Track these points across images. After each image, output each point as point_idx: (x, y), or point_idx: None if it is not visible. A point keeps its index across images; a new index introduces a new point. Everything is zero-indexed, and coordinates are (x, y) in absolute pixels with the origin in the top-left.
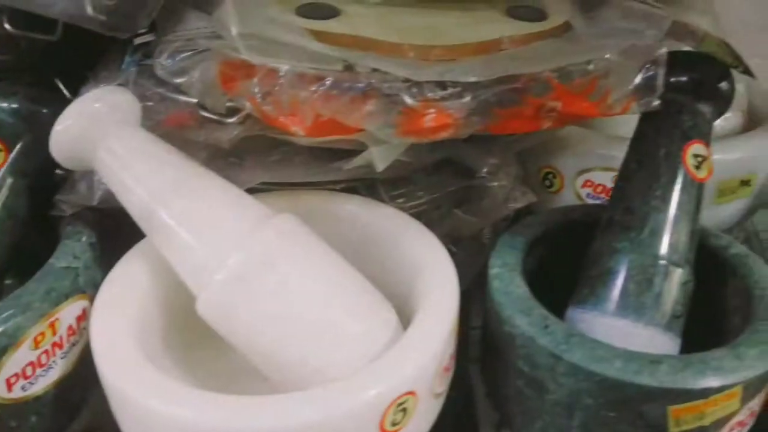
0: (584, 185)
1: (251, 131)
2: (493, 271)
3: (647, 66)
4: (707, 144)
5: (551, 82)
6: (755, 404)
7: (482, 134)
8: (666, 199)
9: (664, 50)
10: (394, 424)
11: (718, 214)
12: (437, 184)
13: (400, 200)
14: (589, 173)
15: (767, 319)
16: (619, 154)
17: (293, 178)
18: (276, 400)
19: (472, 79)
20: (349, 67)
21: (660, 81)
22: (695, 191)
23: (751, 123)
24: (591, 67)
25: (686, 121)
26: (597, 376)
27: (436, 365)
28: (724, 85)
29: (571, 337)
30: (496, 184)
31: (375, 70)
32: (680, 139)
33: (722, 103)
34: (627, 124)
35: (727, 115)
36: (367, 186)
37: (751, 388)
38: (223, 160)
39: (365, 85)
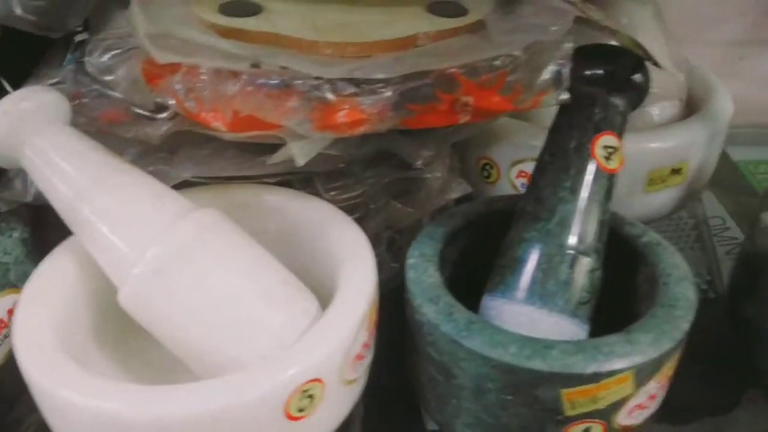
0: (518, 176)
1: (181, 126)
2: (410, 261)
3: (554, 61)
4: (619, 135)
5: (458, 78)
6: (654, 388)
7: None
8: (575, 190)
9: (569, 45)
10: (299, 410)
11: (650, 202)
12: (373, 176)
13: (336, 193)
14: (523, 164)
15: (665, 305)
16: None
17: (225, 172)
18: (182, 389)
19: (380, 75)
20: (255, 65)
21: (566, 75)
22: (605, 182)
23: (690, 112)
24: (498, 63)
25: (597, 114)
26: (493, 361)
27: (343, 353)
28: (637, 77)
29: (472, 324)
30: (431, 175)
31: (284, 67)
32: (591, 131)
33: (635, 95)
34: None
35: (665, 104)
36: (302, 179)
37: (643, 373)
38: (155, 156)
39: (281, 81)
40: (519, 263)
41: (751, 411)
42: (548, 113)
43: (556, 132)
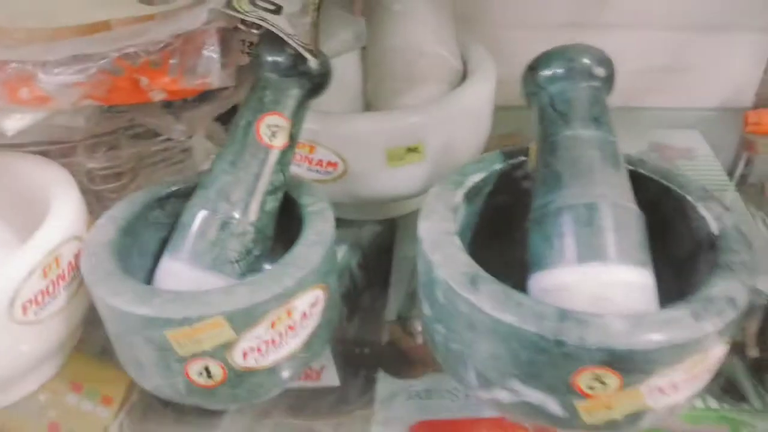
0: None
1: None
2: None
3: (206, 48)
4: (287, 117)
5: (119, 62)
6: (268, 333)
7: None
8: (234, 163)
9: (213, 33)
10: None
11: (394, 176)
12: (139, 146)
13: (98, 161)
14: None
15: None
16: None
17: None
18: None
19: (50, 58)
20: None
21: (215, 60)
22: (265, 156)
23: None
24: (152, 48)
25: (268, 96)
26: (116, 310)
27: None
28: (310, 66)
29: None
30: (197, 145)
31: None
32: (259, 111)
33: (307, 81)
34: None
35: (431, 87)
36: (63, 149)
37: (238, 319)
38: None
39: None
40: (183, 226)
41: None
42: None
43: (237, 111)
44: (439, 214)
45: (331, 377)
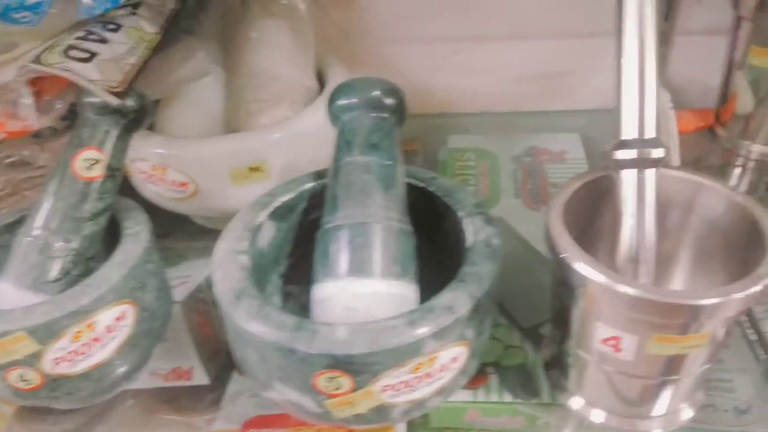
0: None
1: None
2: None
3: (19, 96)
4: (104, 150)
5: None
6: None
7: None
8: (55, 193)
9: (24, 84)
10: None
11: (241, 193)
12: (12, 173)
13: None
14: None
15: None
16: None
17: None
18: None
19: None
20: None
21: (29, 106)
22: (82, 187)
23: None
24: None
25: (85, 132)
26: None
27: None
28: (127, 105)
29: None
30: None
31: None
32: (76, 146)
33: (121, 118)
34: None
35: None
36: None
37: (40, 333)
38: None
39: None
40: (11, 251)
41: None
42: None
43: None
44: (234, 233)
45: (200, 377)
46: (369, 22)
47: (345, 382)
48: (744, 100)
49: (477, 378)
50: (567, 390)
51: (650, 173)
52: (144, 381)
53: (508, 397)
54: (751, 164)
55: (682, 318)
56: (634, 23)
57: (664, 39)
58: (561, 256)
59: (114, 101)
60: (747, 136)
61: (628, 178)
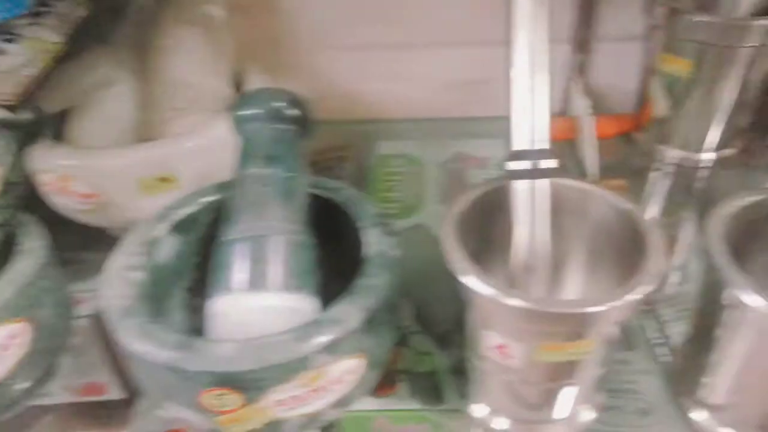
0: None
1: None
2: None
3: None
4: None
5: None
6: None
7: None
8: None
9: None
10: None
11: (152, 204)
12: None
13: None
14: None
15: None
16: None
17: None
18: None
19: None
20: None
21: None
22: None
23: None
24: None
25: None
26: None
27: None
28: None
29: None
30: None
31: None
32: None
33: (16, 131)
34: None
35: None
36: None
37: None
38: None
39: None
40: None
41: None
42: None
43: None
44: (128, 248)
45: (115, 391)
46: (297, 29)
47: (233, 398)
48: (659, 106)
49: (386, 386)
50: (470, 397)
51: (542, 183)
52: (60, 396)
53: (415, 405)
54: (669, 168)
55: (564, 326)
56: (524, 34)
57: (584, 46)
58: (448, 267)
59: (6, 114)
60: (664, 141)
61: (520, 188)
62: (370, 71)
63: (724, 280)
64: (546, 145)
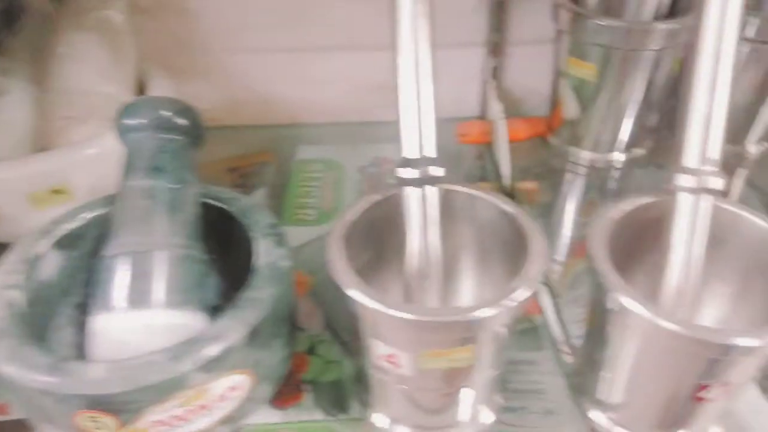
0: None
1: None
2: None
3: None
4: None
5: None
6: None
7: None
8: None
9: None
10: None
11: (42, 218)
12: None
13: None
14: None
15: None
16: None
17: None
18: None
19: None
20: None
21: None
22: None
23: None
24: None
25: None
26: None
27: None
28: None
29: None
30: None
31: None
32: None
33: None
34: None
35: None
36: None
37: None
38: None
39: None
40: None
41: None
42: None
43: None
44: (6, 267)
45: (18, 410)
46: (209, 32)
47: (108, 421)
48: (569, 108)
49: (290, 396)
50: (371, 405)
51: (431, 191)
52: None
53: (319, 415)
54: (581, 170)
55: (444, 334)
56: (408, 40)
57: (497, 50)
58: (331, 278)
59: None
60: (575, 143)
61: (411, 195)
62: (288, 74)
63: (605, 285)
64: (433, 153)
